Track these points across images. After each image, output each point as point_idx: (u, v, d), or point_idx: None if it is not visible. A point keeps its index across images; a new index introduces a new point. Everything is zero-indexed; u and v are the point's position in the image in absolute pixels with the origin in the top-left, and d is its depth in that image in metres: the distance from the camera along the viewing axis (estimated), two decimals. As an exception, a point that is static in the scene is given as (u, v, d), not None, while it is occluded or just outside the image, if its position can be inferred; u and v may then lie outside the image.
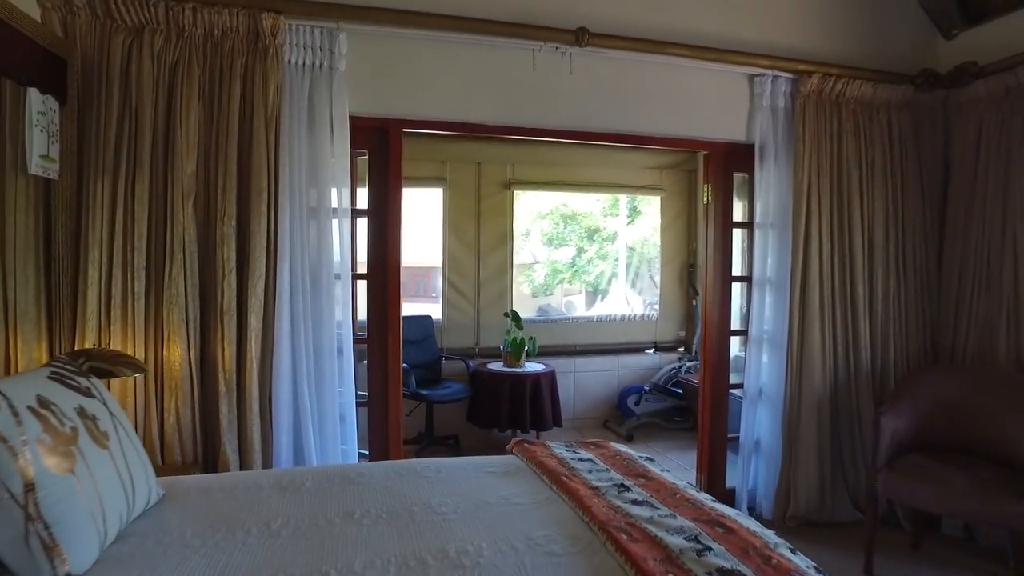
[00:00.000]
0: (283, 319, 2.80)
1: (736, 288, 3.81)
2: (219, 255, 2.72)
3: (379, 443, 3.23)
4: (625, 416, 5.71)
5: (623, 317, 6.17)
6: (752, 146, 3.55)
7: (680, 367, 5.78)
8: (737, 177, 3.76)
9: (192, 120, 2.70)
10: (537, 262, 16.01)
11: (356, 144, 3.13)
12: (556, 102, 3.29)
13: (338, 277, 2.97)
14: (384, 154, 3.17)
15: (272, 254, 2.80)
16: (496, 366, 5.27)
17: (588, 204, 14.05)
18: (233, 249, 2.74)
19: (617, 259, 12.90)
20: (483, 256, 5.70)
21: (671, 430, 5.64)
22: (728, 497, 3.72)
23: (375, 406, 3.23)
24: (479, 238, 5.69)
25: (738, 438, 3.70)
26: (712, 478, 3.74)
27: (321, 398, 2.93)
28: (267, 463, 2.79)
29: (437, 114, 3.18)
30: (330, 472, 1.98)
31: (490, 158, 5.69)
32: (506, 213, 5.76)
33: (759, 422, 3.69)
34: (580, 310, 15.70)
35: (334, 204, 2.95)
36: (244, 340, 2.75)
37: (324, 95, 2.90)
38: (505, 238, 5.76)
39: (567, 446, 2.38)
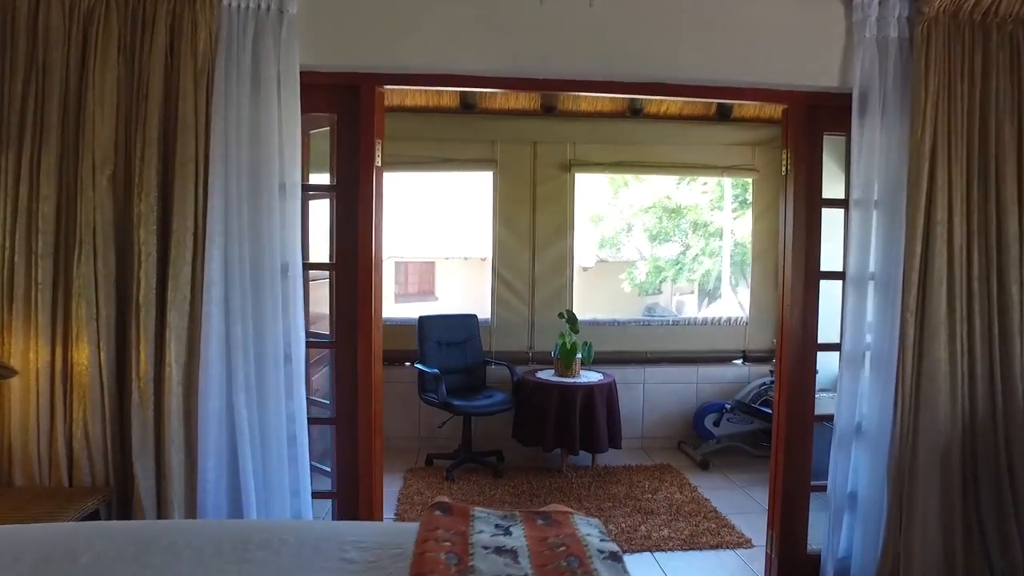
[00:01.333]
0: (212, 317, 2.26)
1: (828, 287, 2.81)
2: (136, 238, 2.23)
3: (348, 470, 2.63)
4: (702, 438, 4.76)
5: (705, 321, 5.20)
6: (849, 95, 2.56)
7: (772, 382, 4.71)
8: (829, 140, 2.78)
9: (108, 79, 2.23)
10: (643, 258, 14.98)
11: (321, 106, 2.57)
12: (572, 44, 2.50)
13: (286, 269, 2.39)
14: (355, 118, 2.55)
15: (200, 238, 2.27)
16: (546, 374, 4.53)
17: (693, 196, 12.86)
18: (153, 232, 2.25)
19: (721, 256, 11.69)
20: (539, 248, 4.97)
21: (757, 458, 4.60)
22: (811, 565, 2.75)
23: (342, 425, 2.62)
24: (534, 227, 4.96)
25: (825, 487, 2.72)
26: (787, 537, 2.78)
27: (264, 414, 2.37)
28: (191, 492, 2.27)
29: (419, 65, 2.51)
30: (134, 536, 1.39)
31: (547, 136, 4.94)
32: (566, 199, 4.98)
33: (855, 468, 2.69)
34: (691, 311, 14.58)
35: (284, 179, 2.37)
36: (163, 341, 2.24)
37: (270, 45, 2.33)
38: (564, 228, 4.98)
39: (502, 518, 1.62)
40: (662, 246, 13.86)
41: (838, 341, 2.74)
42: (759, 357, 5.10)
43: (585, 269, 15.57)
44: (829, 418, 2.78)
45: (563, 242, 4.98)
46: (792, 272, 2.70)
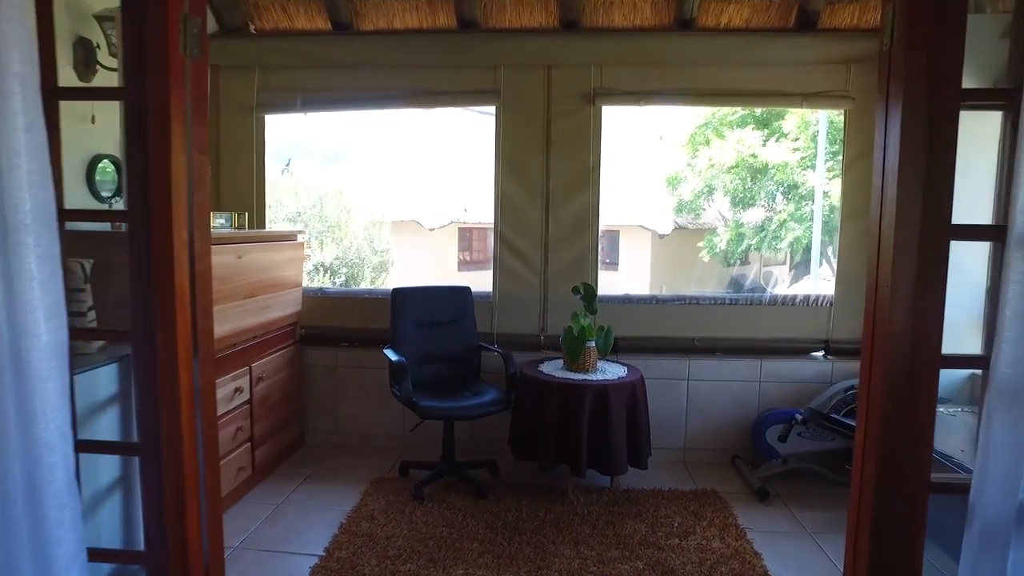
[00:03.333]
0: None
1: (964, 253, 1.56)
2: None
3: (156, 520, 1.69)
4: (763, 455, 3.53)
5: (775, 300, 3.89)
6: None
7: (866, 386, 3.41)
8: None
9: None
10: (725, 225, 13.41)
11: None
12: None
13: (4, 219, 1.44)
14: (143, -26, 1.54)
15: None
16: (551, 367, 3.45)
17: (782, 153, 11.13)
18: None
19: (812, 221, 10.08)
20: (554, 203, 3.84)
21: (839, 484, 3.34)
22: None
23: (147, 455, 1.69)
24: (548, 177, 3.83)
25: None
26: None
27: (-17, 448, 1.46)
28: None
29: None
30: None
31: (565, 58, 3.76)
32: (589, 140, 3.80)
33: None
34: (783, 285, 12.94)
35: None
36: None
37: None
38: (587, 177, 3.82)
39: None
40: (746, 211, 12.18)
41: (979, 353, 1.49)
42: (847, 350, 3.77)
43: (661, 237, 14.13)
44: (961, 489, 1.55)
45: (585, 195, 3.82)
46: (896, 228, 1.46)
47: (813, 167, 9.93)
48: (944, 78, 1.42)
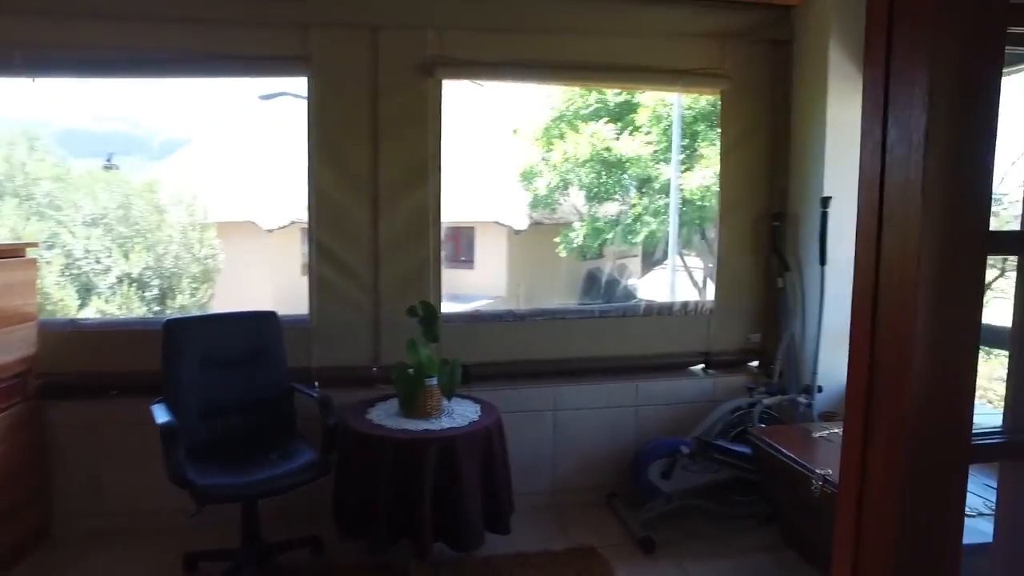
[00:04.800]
0: None
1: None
2: None
3: None
4: (645, 495, 2.98)
5: (650, 309, 3.36)
6: None
7: (753, 405, 2.98)
8: None
9: None
10: (581, 220, 13.30)
11: None
12: None
13: None
14: None
15: None
16: (384, 413, 2.63)
17: (636, 147, 11.11)
18: None
19: (668, 215, 10.17)
20: (384, 200, 3.02)
21: (731, 520, 2.87)
22: None
23: None
24: (377, 168, 3.00)
25: None
26: None
27: None
28: None
29: None
30: None
31: (395, 16, 2.95)
32: (427, 121, 3.02)
33: None
34: (636, 276, 12.95)
35: None
36: None
37: None
38: (424, 168, 3.04)
39: None
40: (601, 205, 12.09)
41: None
42: (728, 362, 3.34)
43: (517, 233, 13.72)
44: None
45: (423, 190, 3.04)
46: (921, 234, 0.84)
47: (666, 160, 9.93)
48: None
